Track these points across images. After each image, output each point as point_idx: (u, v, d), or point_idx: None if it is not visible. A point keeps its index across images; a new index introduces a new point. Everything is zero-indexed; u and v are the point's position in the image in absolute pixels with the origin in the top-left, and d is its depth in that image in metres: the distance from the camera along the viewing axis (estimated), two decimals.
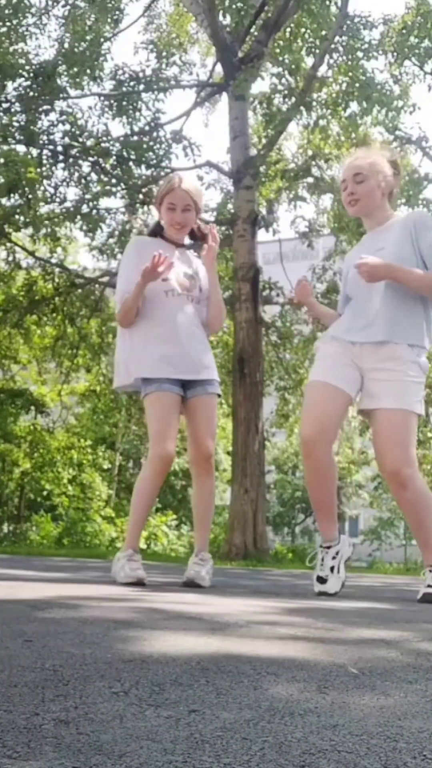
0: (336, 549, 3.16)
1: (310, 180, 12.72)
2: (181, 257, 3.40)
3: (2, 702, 1.00)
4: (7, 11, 11.19)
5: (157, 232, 3.51)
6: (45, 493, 16.47)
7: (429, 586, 2.96)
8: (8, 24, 11.37)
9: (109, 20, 12.42)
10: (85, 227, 11.08)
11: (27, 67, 10.96)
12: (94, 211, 11.17)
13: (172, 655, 1.38)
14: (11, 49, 11.15)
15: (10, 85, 11.04)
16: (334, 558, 3.15)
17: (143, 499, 3.25)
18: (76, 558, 7.86)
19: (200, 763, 0.79)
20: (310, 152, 13.17)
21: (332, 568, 3.13)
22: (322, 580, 3.14)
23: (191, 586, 3.14)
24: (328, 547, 3.16)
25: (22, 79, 10.97)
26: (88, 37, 11.42)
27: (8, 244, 12.36)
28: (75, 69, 11.02)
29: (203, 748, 0.84)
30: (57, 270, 13.07)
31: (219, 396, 3.40)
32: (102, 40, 11.73)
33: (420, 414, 3.06)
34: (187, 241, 3.54)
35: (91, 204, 11.17)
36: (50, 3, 12.40)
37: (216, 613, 2.03)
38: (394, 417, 2.99)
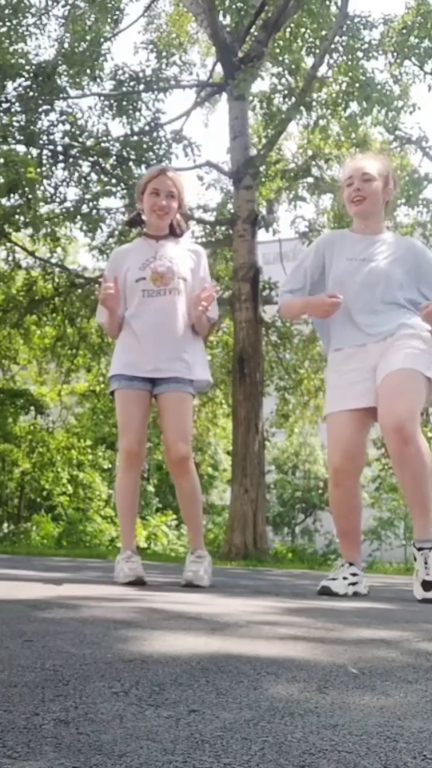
0: (356, 570, 3.17)
1: (310, 180, 12.72)
2: (160, 250, 3.36)
3: (2, 702, 1.00)
4: (7, 11, 11.19)
5: (136, 222, 3.52)
6: (45, 493, 16.47)
7: (425, 581, 2.89)
8: (8, 24, 11.37)
9: (109, 20, 12.42)
10: (85, 227, 11.08)
11: (27, 67, 10.96)
12: (94, 211, 11.17)
13: (172, 655, 1.38)
14: (11, 49, 11.15)
15: (10, 85, 11.04)
16: (353, 575, 3.16)
17: (121, 498, 3.30)
18: (76, 558, 7.86)
19: (200, 763, 0.79)
20: (310, 152, 13.17)
21: (345, 578, 3.13)
22: (330, 579, 3.17)
23: (191, 587, 3.14)
24: (351, 564, 3.17)
25: (22, 79, 10.97)
26: (88, 37, 11.42)
27: (8, 244, 12.36)
28: (75, 69, 11.02)
29: (203, 748, 0.84)
30: (57, 270, 13.07)
31: (193, 395, 3.36)
32: (102, 40, 11.73)
33: (431, 379, 2.99)
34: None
35: (91, 204, 11.17)
36: (50, 3, 12.40)
37: (216, 613, 2.03)
38: (401, 373, 2.93)
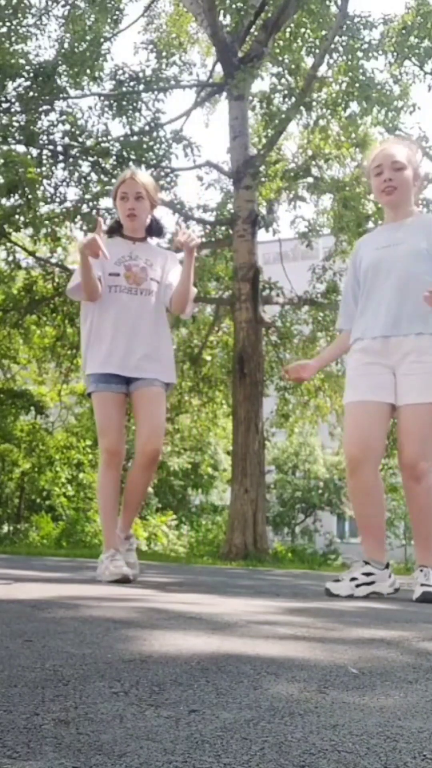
0: (371, 570, 3.08)
1: (310, 180, 12.71)
2: (136, 250, 3.43)
3: (2, 702, 1.00)
4: (7, 11, 11.19)
5: (115, 229, 3.56)
6: (45, 493, 16.47)
7: (423, 584, 2.95)
8: (8, 24, 11.37)
9: (108, 20, 12.42)
10: (85, 227, 11.08)
11: (27, 67, 10.95)
12: (94, 211, 11.16)
13: (172, 655, 1.38)
14: (11, 49, 11.15)
15: (10, 85, 11.04)
16: (366, 575, 3.07)
17: (103, 496, 3.36)
18: (76, 558, 7.86)
19: (200, 763, 0.79)
20: (310, 152, 13.17)
21: (353, 578, 3.07)
22: (336, 580, 3.14)
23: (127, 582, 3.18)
24: (367, 563, 3.09)
25: (22, 79, 10.96)
26: (88, 37, 11.42)
27: (8, 244, 12.35)
28: (75, 69, 11.02)
29: (203, 748, 0.84)
30: (57, 270, 13.07)
31: (167, 387, 3.41)
32: (102, 40, 11.73)
33: None
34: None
35: (91, 204, 11.17)
36: (50, 3, 12.41)
37: (216, 613, 2.03)
38: (417, 411, 2.99)
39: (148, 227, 3.52)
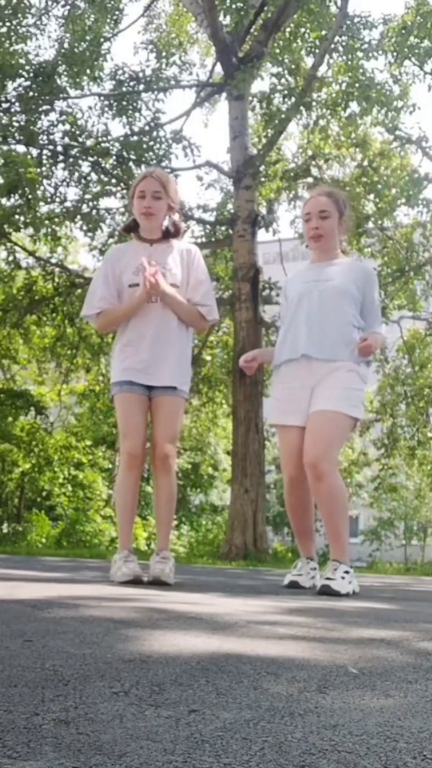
0: (315, 565, 3.54)
1: (310, 180, 12.71)
2: (153, 254, 3.39)
3: (2, 702, 1.00)
4: (7, 11, 11.19)
5: (131, 228, 3.54)
6: (45, 493, 16.46)
7: (327, 578, 3.17)
8: (8, 24, 11.36)
9: (108, 20, 12.42)
10: (85, 227, 11.08)
11: (27, 67, 10.96)
12: (94, 211, 11.16)
13: (172, 655, 1.38)
14: (11, 49, 11.15)
15: (10, 85, 11.04)
16: (313, 569, 3.52)
17: (122, 497, 3.37)
18: (76, 558, 7.86)
19: (200, 763, 0.79)
20: (309, 152, 13.17)
21: (308, 572, 3.50)
22: (295, 575, 3.52)
23: (157, 584, 3.16)
24: (311, 559, 3.55)
25: (22, 79, 10.96)
26: (87, 37, 11.42)
27: (8, 244, 12.35)
28: (75, 69, 11.02)
29: (203, 748, 0.84)
30: (57, 270, 13.07)
31: (187, 400, 3.51)
32: (102, 40, 11.73)
33: (357, 418, 3.35)
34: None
35: (91, 204, 11.17)
36: (50, 3, 12.41)
37: (216, 613, 2.03)
38: (324, 416, 3.26)
39: (165, 230, 3.46)
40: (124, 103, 11.60)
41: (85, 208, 11.13)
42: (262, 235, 12.07)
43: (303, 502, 3.42)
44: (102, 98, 11.79)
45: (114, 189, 11.28)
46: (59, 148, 11.46)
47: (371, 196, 12.29)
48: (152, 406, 3.37)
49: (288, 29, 12.23)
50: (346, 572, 3.21)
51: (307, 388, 3.35)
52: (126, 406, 3.34)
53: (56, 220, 11.34)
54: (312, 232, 3.49)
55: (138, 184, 3.41)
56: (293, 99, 11.99)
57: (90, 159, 11.41)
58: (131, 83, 11.71)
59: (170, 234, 3.46)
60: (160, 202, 3.37)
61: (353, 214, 3.89)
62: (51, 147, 11.44)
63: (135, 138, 11.55)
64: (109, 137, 11.49)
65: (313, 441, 3.24)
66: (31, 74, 10.90)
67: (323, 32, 11.71)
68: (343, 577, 3.17)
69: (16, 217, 10.46)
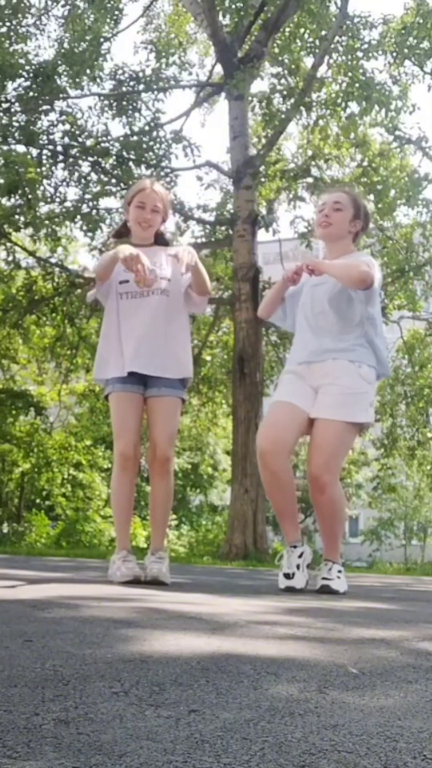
0: (301, 550, 3.38)
1: (310, 180, 12.71)
2: (145, 253, 3.39)
3: (2, 702, 1.00)
4: (7, 11, 11.19)
5: (121, 233, 3.59)
6: (44, 493, 16.46)
7: (324, 578, 3.23)
8: (8, 24, 11.36)
9: (108, 20, 12.41)
10: (85, 227, 11.07)
11: (27, 67, 10.94)
12: (94, 211, 11.15)
13: (172, 655, 1.38)
14: (11, 49, 11.14)
15: (10, 85, 11.03)
16: (299, 557, 3.37)
17: (117, 499, 3.38)
18: (76, 558, 7.86)
19: (200, 763, 0.79)
20: (309, 152, 13.16)
21: (298, 566, 3.34)
22: (288, 576, 3.33)
23: (155, 583, 3.15)
24: (294, 547, 3.37)
25: (22, 79, 10.95)
26: (87, 37, 11.41)
27: (8, 244, 12.35)
28: (75, 69, 11.01)
29: (203, 748, 0.84)
30: (57, 270, 13.06)
31: (184, 401, 3.47)
32: (102, 40, 11.72)
33: (363, 422, 3.34)
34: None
35: (91, 204, 11.16)
36: (50, 3, 12.40)
37: (216, 613, 2.03)
38: (328, 426, 3.26)
39: (156, 238, 3.53)
40: (124, 103, 11.60)
41: (85, 208, 11.12)
42: (262, 235, 12.07)
43: (276, 477, 3.34)
44: (102, 98, 11.78)
45: (114, 189, 11.27)
46: (59, 148, 11.45)
47: (371, 197, 12.28)
48: (148, 406, 3.36)
49: (288, 29, 12.22)
50: (339, 571, 3.30)
51: (309, 386, 3.37)
52: (119, 403, 3.33)
53: (56, 220, 11.32)
54: (322, 219, 3.48)
55: (137, 194, 3.44)
56: (293, 99, 11.99)
57: (90, 159, 11.40)
58: (131, 83, 11.71)
59: (158, 243, 3.54)
60: (157, 215, 3.46)
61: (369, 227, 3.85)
62: (51, 147, 11.43)
63: (135, 138, 11.55)
64: (109, 137, 11.48)
65: (317, 453, 3.26)
66: (31, 74, 10.89)
67: (323, 32, 11.70)
68: (338, 576, 3.26)
69: (16, 217, 10.46)
